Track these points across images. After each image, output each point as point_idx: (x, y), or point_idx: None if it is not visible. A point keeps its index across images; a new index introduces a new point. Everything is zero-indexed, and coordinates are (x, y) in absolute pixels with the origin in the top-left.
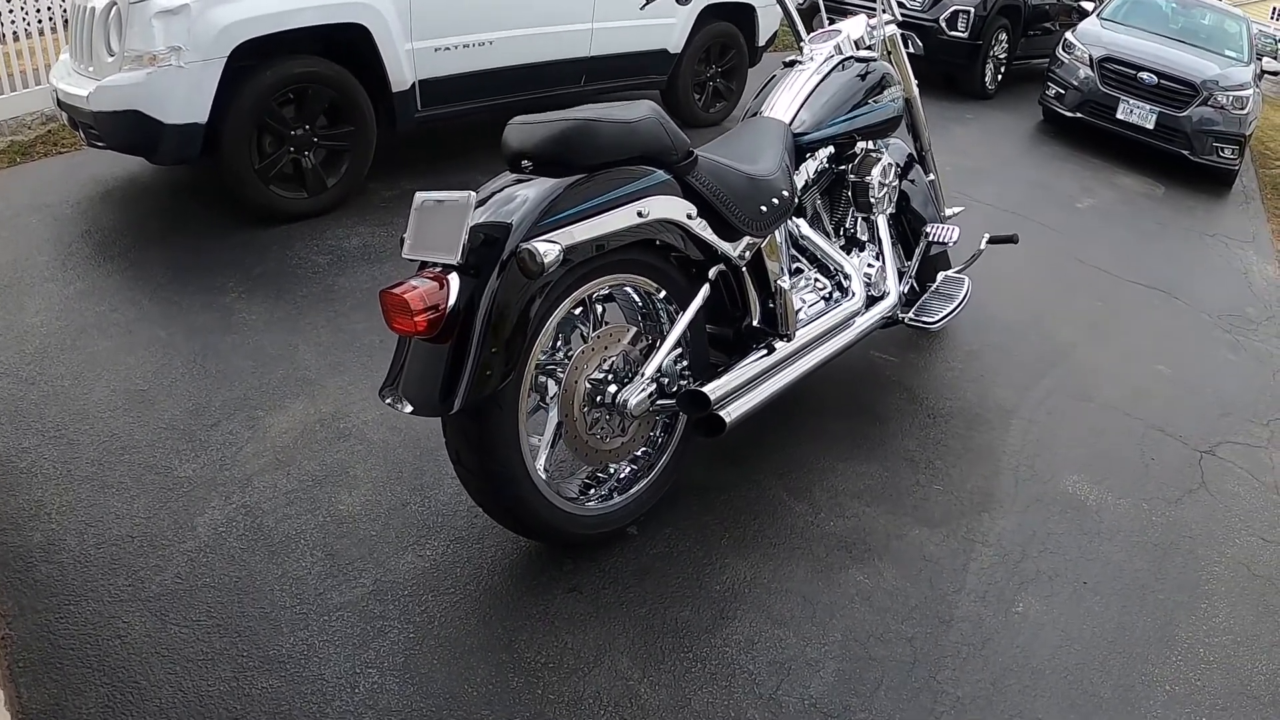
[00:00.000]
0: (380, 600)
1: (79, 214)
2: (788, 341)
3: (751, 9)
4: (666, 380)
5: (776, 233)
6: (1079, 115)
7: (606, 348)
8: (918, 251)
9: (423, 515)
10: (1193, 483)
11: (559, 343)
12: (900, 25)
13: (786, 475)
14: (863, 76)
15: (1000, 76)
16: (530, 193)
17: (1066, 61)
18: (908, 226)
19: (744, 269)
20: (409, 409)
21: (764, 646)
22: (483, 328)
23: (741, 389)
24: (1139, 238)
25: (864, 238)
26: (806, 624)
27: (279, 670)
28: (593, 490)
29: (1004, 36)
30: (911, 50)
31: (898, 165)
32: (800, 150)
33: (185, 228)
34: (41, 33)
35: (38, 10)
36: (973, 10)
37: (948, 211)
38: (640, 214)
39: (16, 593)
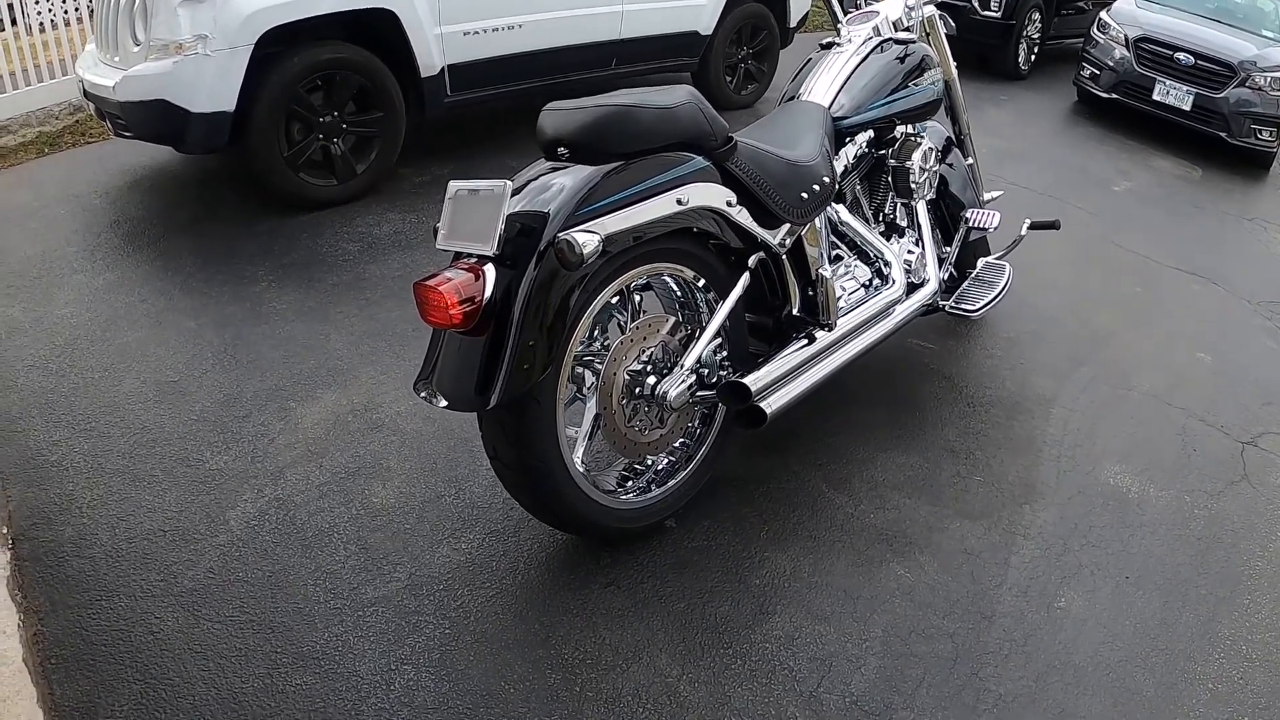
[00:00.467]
0: (415, 595)
1: (107, 204)
2: (829, 331)
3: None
4: (706, 371)
5: (817, 219)
6: (1114, 96)
7: (645, 339)
8: (957, 237)
9: (458, 508)
10: (1235, 474)
11: (596, 333)
12: (937, 5)
13: (825, 466)
14: (902, 59)
15: (1034, 57)
16: (567, 181)
17: (1101, 42)
18: (946, 211)
19: (784, 257)
20: (444, 404)
21: (804, 642)
22: (520, 320)
23: (782, 380)
24: (1176, 221)
25: (903, 223)
26: (847, 619)
27: (313, 666)
28: (630, 483)
29: (1037, 16)
30: (945, 30)
31: (937, 149)
32: (840, 135)
33: (214, 216)
34: (68, 23)
35: (64, 1)
36: None
37: (986, 195)
38: (680, 202)
39: (48, 588)
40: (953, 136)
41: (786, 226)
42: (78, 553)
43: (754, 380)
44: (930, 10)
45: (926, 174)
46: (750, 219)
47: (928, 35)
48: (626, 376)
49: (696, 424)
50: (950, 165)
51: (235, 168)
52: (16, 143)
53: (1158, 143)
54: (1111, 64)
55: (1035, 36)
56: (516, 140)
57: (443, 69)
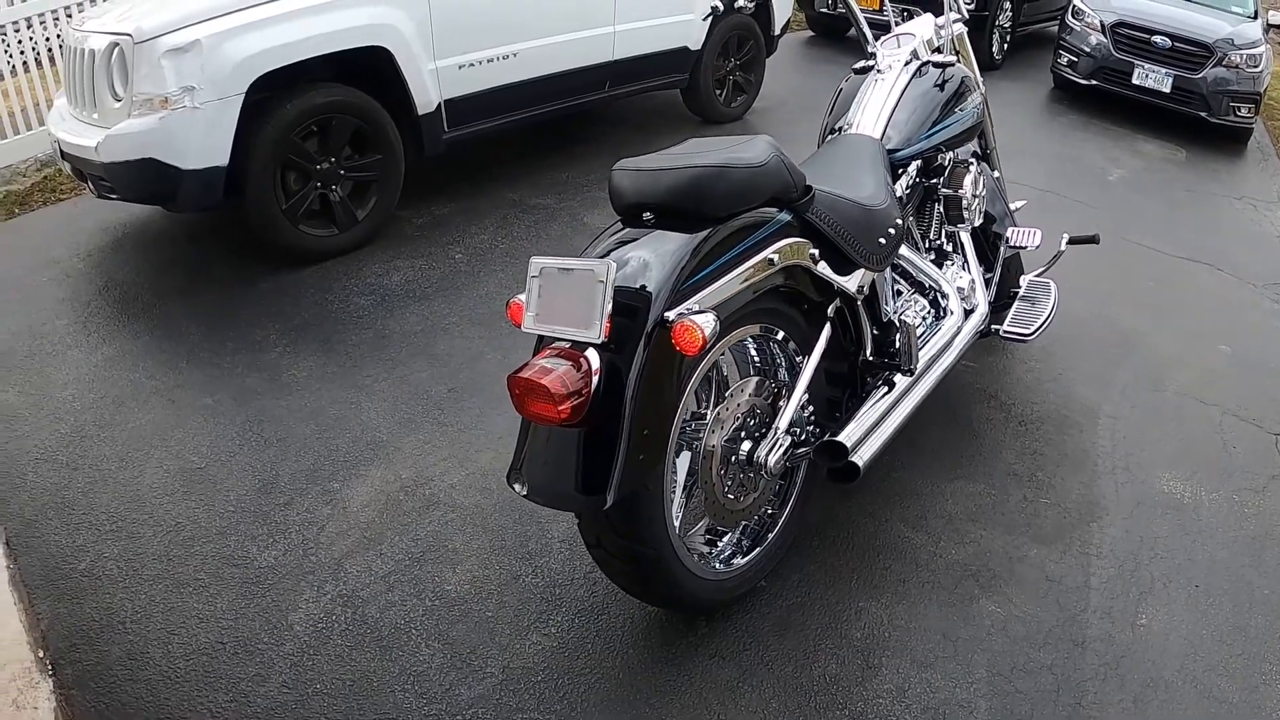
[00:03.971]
0: (513, 690)
1: (92, 268)
2: (909, 375)
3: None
4: (797, 430)
5: None
6: (1094, 83)
7: (738, 404)
8: (1000, 257)
9: (538, 588)
10: (1275, 468)
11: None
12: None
13: (899, 504)
14: (943, 84)
15: (1006, 46)
16: (661, 252)
17: (1077, 28)
18: (981, 230)
19: (859, 303)
20: (545, 503)
21: (915, 693)
22: (633, 411)
23: (871, 430)
24: (1172, 208)
25: (949, 249)
26: (950, 663)
27: None
28: (724, 551)
29: (1008, 5)
30: None
31: (985, 173)
32: (893, 167)
33: (210, 275)
34: (27, 68)
35: (33, 41)
36: None
37: (1012, 205)
38: (773, 262)
39: (103, 718)
40: (979, 151)
41: (862, 272)
42: (131, 675)
43: (848, 436)
44: (960, 28)
45: (978, 199)
46: (830, 269)
47: (956, 53)
48: (722, 446)
49: (779, 482)
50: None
51: (222, 221)
52: None
53: (1140, 126)
54: (1089, 50)
55: (1007, 26)
56: (517, 174)
57: (439, 104)
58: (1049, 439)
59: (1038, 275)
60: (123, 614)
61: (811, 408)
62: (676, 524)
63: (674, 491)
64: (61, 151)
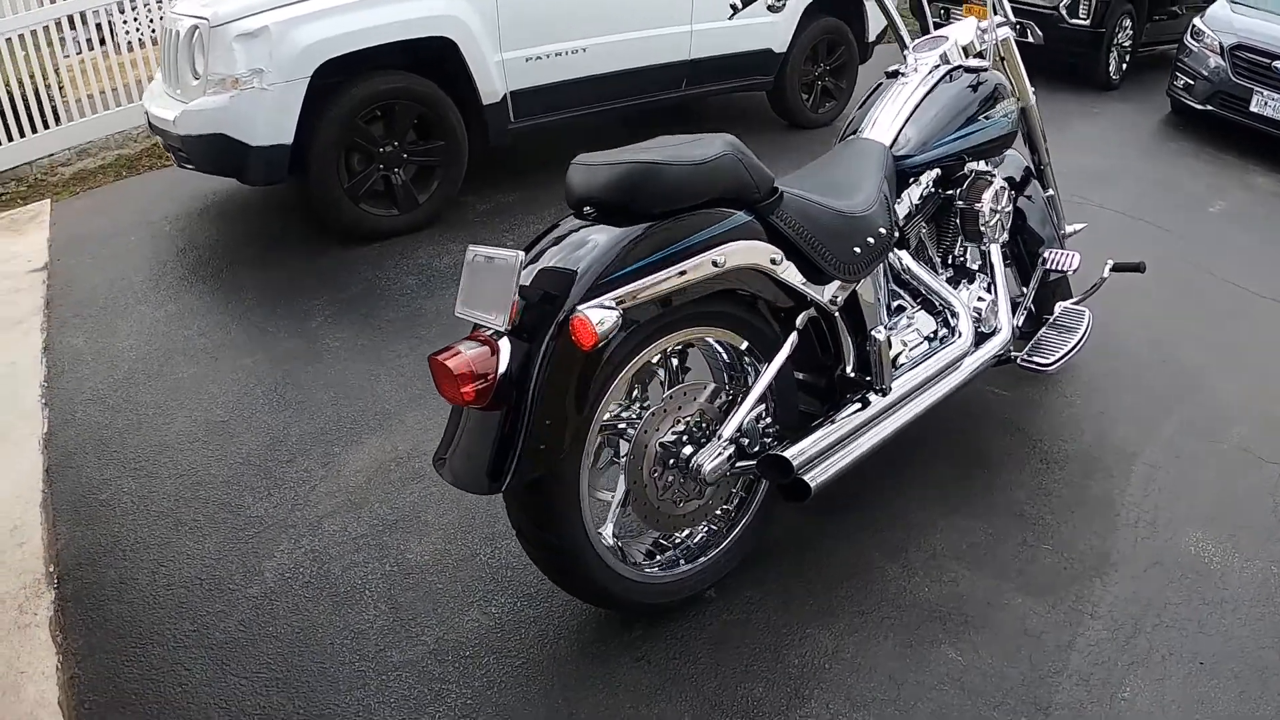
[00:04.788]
0: (441, 661)
1: (178, 231)
2: (883, 396)
3: (860, 3)
4: (747, 441)
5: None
6: (1209, 108)
7: (680, 407)
8: (1034, 280)
9: (492, 568)
10: None
11: (637, 395)
12: (1016, 14)
13: (882, 531)
14: (972, 89)
15: (1125, 66)
16: (592, 245)
17: (1195, 50)
18: (1024, 249)
19: (837, 315)
20: (454, 484)
21: None
22: (535, 400)
23: (829, 450)
24: (1272, 245)
25: (974, 267)
26: (889, 707)
27: None
28: (665, 555)
29: (1128, 23)
30: (1031, 40)
31: (1010, 186)
32: (903, 175)
33: (280, 246)
34: (143, 44)
35: (150, 20)
36: None
37: (1068, 228)
38: (716, 264)
39: (87, 631)
40: (1031, 166)
41: (838, 283)
42: (117, 597)
43: (796, 453)
44: (1005, 33)
45: (998, 215)
46: (799, 276)
47: (1002, 60)
48: (659, 448)
49: (739, 489)
50: (1029, 198)
51: (305, 196)
52: (96, 165)
53: (1254, 157)
54: (1206, 73)
55: (1126, 44)
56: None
57: (505, 96)
58: (1070, 481)
59: (1073, 302)
60: (125, 543)
61: (769, 419)
62: (609, 525)
63: (600, 487)
64: (150, 124)
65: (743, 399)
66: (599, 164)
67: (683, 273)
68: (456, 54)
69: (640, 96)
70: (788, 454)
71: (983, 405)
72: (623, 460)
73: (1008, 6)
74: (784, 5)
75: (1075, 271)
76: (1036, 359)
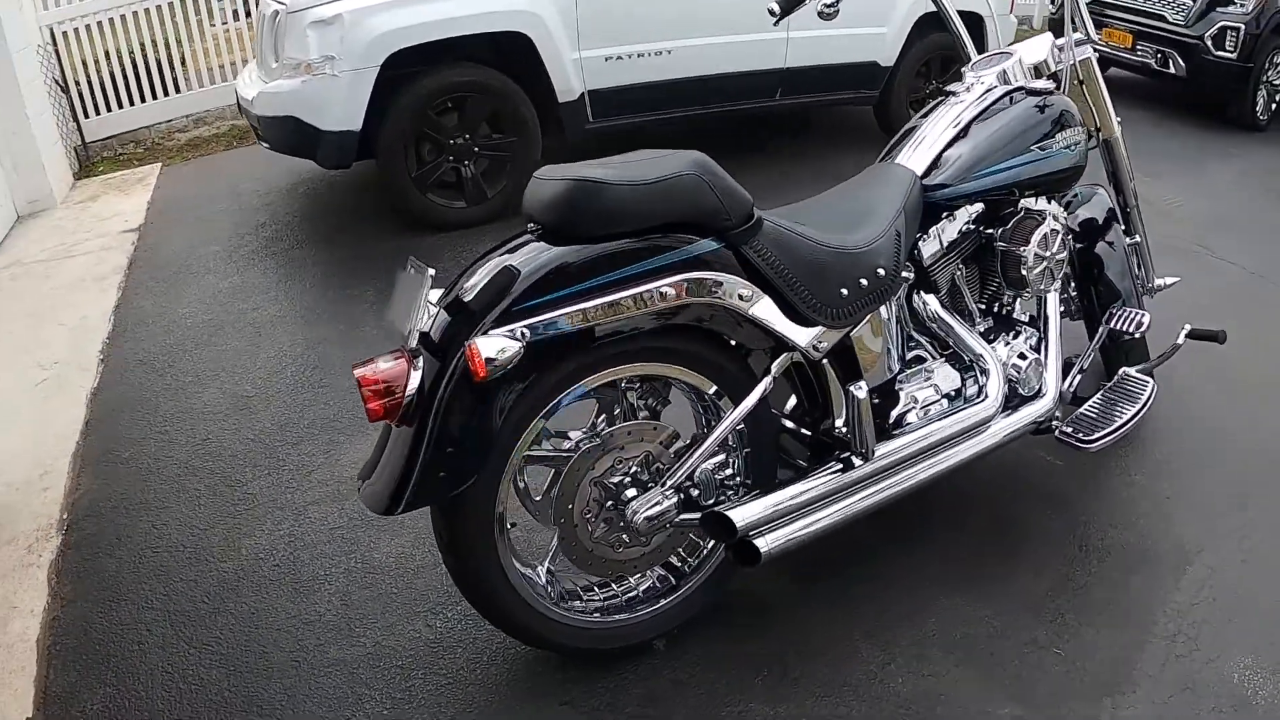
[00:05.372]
0: (373, 666)
1: (262, 204)
2: (865, 461)
3: (980, 19)
4: (698, 492)
5: (884, 312)
6: None
7: (622, 446)
8: (1094, 340)
9: (448, 580)
10: None
11: (593, 426)
12: (1156, 41)
13: (869, 602)
14: (1034, 113)
15: (1275, 106)
16: (521, 266)
17: None
18: (1096, 301)
19: (825, 362)
20: (362, 499)
21: None
22: (435, 424)
23: (791, 514)
24: None
25: (1023, 318)
26: None
27: (255, 716)
28: (605, 600)
29: None
30: (1173, 71)
31: (1089, 229)
32: (936, 208)
33: (350, 229)
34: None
35: None
36: (1243, 27)
37: (1160, 280)
38: (664, 295)
39: (77, 579)
40: (1116, 209)
41: (820, 328)
42: (110, 551)
43: (742, 515)
44: (1085, 52)
45: (1046, 263)
46: (778, 315)
47: (1081, 84)
48: (595, 489)
49: (704, 539)
50: (1110, 243)
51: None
52: (210, 134)
53: None
54: None
55: (1277, 82)
56: None
57: (583, 94)
58: (1107, 576)
59: (1139, 370)
60: (131, 501)
61: (739, 472)
62: (545, 562)
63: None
64: (238, 103)
65: (698, 446)
66: (548, 179)
67: (615, 304)
68: (531, 50)
69: (731, 104)
70: (732, 514)
71: (1026, 473)
72: (552, 496)
73: (1089, 22)
74: (836, 12)
75: (1143, 334)
76: (1078, 434)
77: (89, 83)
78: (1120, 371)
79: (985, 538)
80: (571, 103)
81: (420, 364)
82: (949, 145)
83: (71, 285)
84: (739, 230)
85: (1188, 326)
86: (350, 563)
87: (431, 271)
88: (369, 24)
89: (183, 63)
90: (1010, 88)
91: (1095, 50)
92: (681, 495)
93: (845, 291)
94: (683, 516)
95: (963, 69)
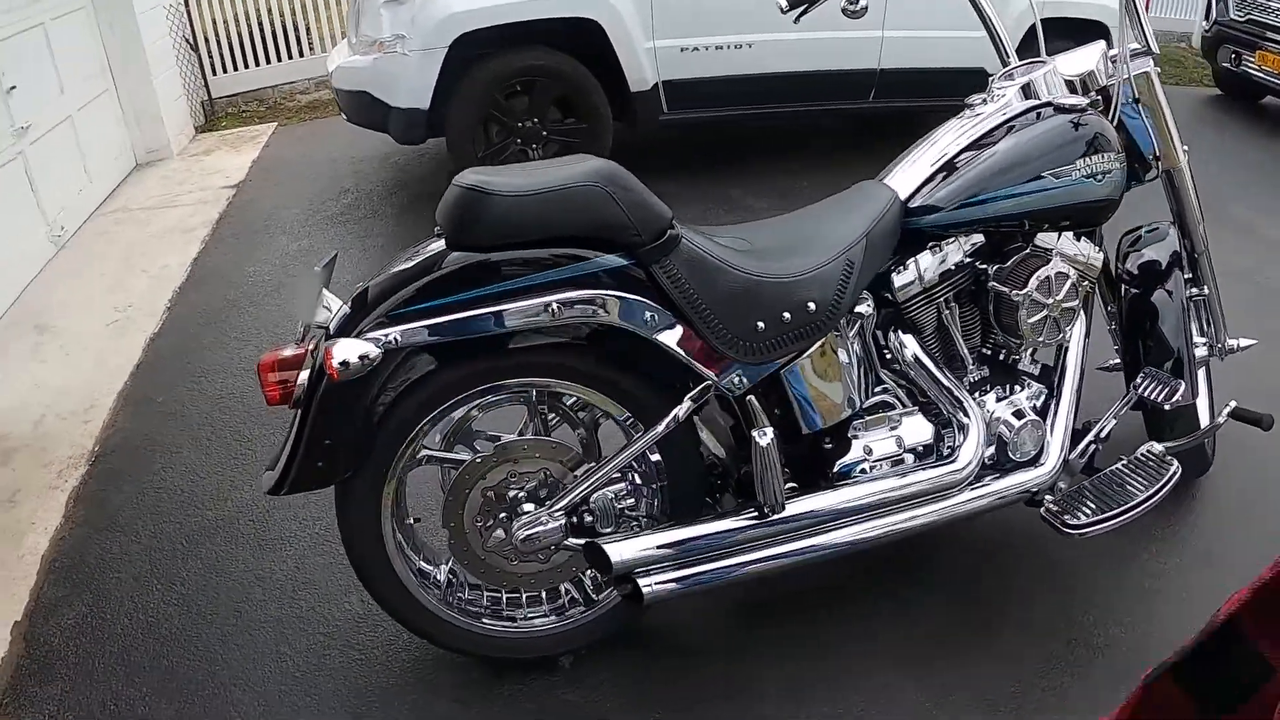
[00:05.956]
0: (300, 629)
1: (352, 171)
2: (772, 512)
3: (1104, 28)
4: (591, 519)
5: (840, 350)
6: None
7: (516, 460)
8: (1117, 404)
9: None
10: None
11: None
12: None
13: (799, 666)
14: (1061, 133)
15: None
16: (410, 269)
17: None
18: (1144, 358)
19: (750, 400)
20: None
21: None
22: (314, 414)
23: (685, 558)
24: None
25: (1034, 369)
26: None
27: (186, 655)
28: (504, 610)
29: None
30: None
31: (1123, 273)
32: (921, 235)
33: (425, 203)
34: None
35: None
36: None
37: (1235, 341)
38: (552, 312)
39: (89, 507)
40: (1179, 251)
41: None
42: (120, 486)
43: (619, 551)
44: (1142, 65)
45: (1047, 311)
46: (692, 343)
47: (1137, 102)
48: (486, 498)
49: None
50: (1167, 293)
51: None
52: (330, 98)
53: None
54: None
55: None
56: (747, 169)
57: (656, 84)
58: (1090, 678)
59: (1164, 448)
60: (153, 442)
61: (650, 503)
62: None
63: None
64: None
65: (595, 471)
66: (452, 184)
67: (497, 317)
68: (604, 37)
69: (818, 102)
70: (608, 547)
71: (1029, 542)
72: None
73: (1149, 30)
74: (864, 11)
75: (1174, 404)
76: (1064, 516)
77: (218, 43)
78: (1142, 446)
79: (965, 608)
80: (645, 92)
81: (316, 354)
82: (946, 165)
83: (163, 234)
84: (649, 247)
85: (1233, 404)
86: (316, 528)
87: (319, 270)
88: (439, 5)
89: (307, 30)
90: (1036, 103)
91: (1156, 66)
92: (572, 519)
93: (762, 325)
94: (569, 541)
95: (990, 77)
